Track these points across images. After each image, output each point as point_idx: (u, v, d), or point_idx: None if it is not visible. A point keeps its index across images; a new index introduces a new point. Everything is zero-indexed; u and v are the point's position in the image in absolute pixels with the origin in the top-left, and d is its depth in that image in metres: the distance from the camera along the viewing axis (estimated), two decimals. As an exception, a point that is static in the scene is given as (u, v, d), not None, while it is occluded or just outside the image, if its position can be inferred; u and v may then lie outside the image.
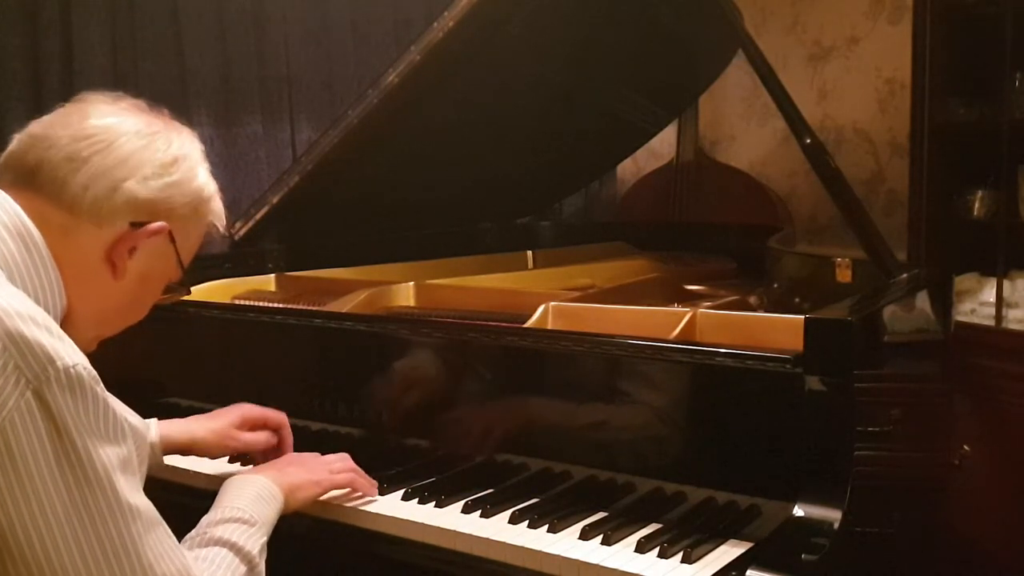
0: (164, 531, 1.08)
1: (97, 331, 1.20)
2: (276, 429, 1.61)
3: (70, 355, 1.00)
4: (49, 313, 1.07)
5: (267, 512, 1.31)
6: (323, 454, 1.53)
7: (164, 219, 1.16)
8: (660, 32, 2.32)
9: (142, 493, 1.07)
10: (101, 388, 1.03)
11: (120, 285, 1.16)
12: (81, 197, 1.10)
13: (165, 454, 1.54)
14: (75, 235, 1.11)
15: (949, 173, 2.69)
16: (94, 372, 1.03)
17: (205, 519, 1.27)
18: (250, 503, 1.30)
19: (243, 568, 1.21)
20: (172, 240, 1.18)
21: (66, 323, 1.12)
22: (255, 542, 1.24)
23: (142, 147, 1.14)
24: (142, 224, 1.14)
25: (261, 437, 1.59)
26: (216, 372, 1.92)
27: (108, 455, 1.01)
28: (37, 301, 1.07)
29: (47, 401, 0.97)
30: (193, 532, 1.24)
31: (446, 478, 1.53)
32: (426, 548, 1.39)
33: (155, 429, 1.55)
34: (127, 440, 1.05)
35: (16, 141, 1.15)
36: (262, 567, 1.25)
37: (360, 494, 1.48)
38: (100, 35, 2.65)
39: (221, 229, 1.28)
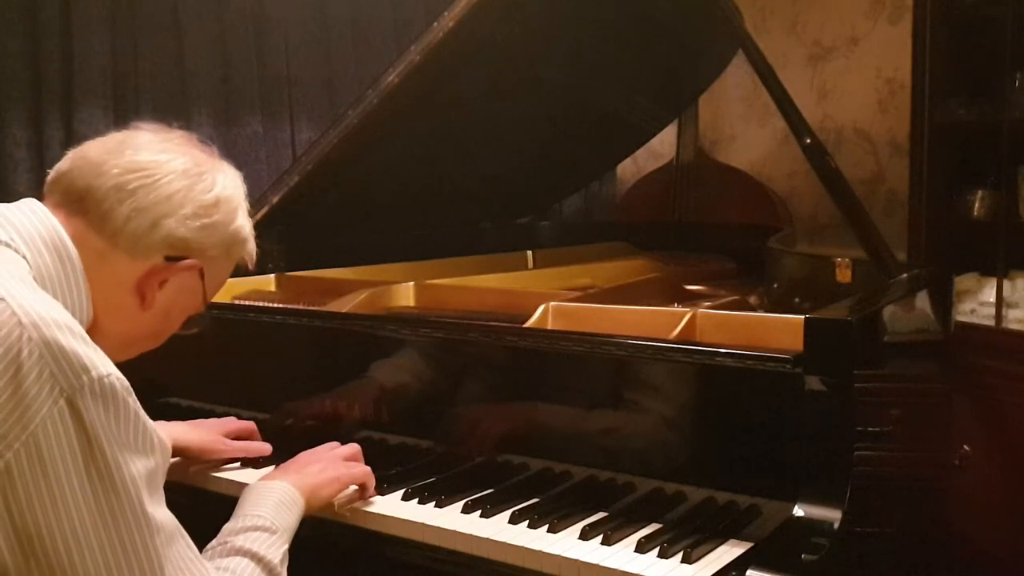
0: (185, 544, 1.09)
1: (118, 354, 1.19)
2: (244, 434, 1.70)
3: (104, 365, 1.01)
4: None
5: (288, 519, 1.32)
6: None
7: (197, 256, 1.19)
8: (660, 32, 2.32)
9: (165, 506, 1.07)
10: (133, 399, 1.04)
11: (146, 315, 1.19)
12: (122, 228, 1.13)
13: None
14: (110, 262, 1.14)
15: (949, 173, 2.69)
16: (127, 383, 1.04)
17: (226, 527, 1.27)
18: (271, 510, 1.30)
19: None
20: (201, 277, 1.21)
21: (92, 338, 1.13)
22: (276, 551, 1.24)
23: (187, 187, 1.17)
24: (175, 260, 1.17)
25: (250, 445, 1.67)
26: (216, 372, 1.92)
27: (136, 467, 1.02)
28: (66, 310, 1.08)
29: (79, 410, 0.98)
30: (214, 541, 1.24)
31: (446, 478, 1.53)
32: (426, 548, 1.39)
33: None
34: (155, 453, 1.06)
35: (69, 161, 1.17)
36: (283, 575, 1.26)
37: (369, 495, 1.49)
38: (100, 35, 2.65)
39: (250, 266, 1.30)
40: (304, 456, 1.49)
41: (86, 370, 0.99)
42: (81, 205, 1.14)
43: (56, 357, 0.98)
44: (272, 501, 1.32)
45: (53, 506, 0.97)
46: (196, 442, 1.64)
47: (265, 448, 1.68)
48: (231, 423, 1.73)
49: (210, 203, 1.19)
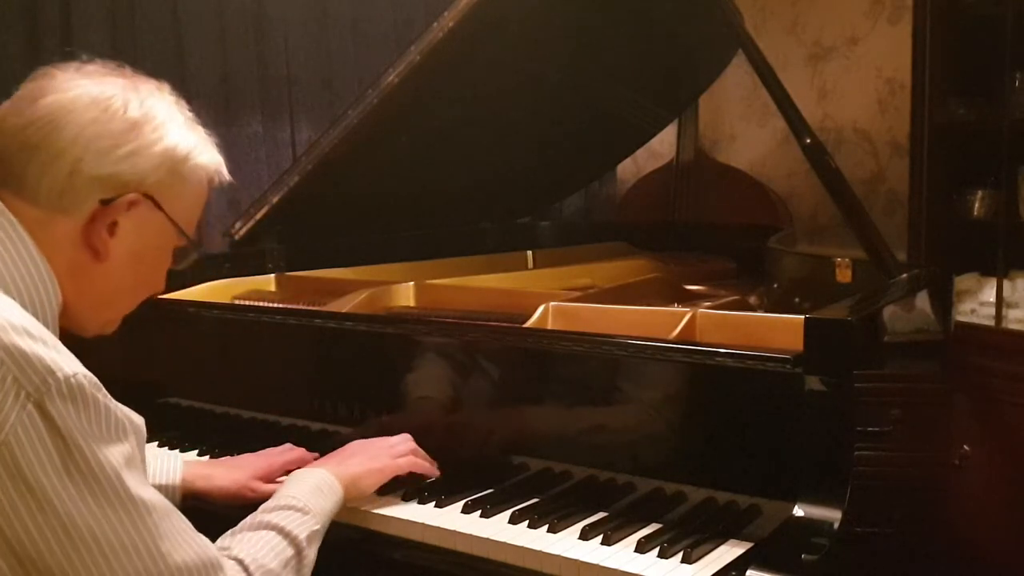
0: (178, 518, 1.07)
1: (106, 315, 1.17)
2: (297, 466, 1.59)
3: (69, 364, 0.99)
4: (45, 311, 1.06)
5: (323, 503, 1.30)
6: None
7: (136, 189, 1.09)
8: (660, 32, 2.32)
9: (149, 486, 1.06)
10: (103, 393, 1.02)
11: (109, 267, 1.10)
12: (38, 187, 1.05)
13: (184, 497, 1.50)
14: (49, 227, 1.06)
15: (949, 173, 2.69)
16: (93, 378, 1.01)
17: (260, 507, 1.26)
18: (306, 493, 1.30)
19: (290, 551, 1.20)
20: (159, 207, 1.11)
21: (68, 315, 1.10)
22: (304, 528, 1.23)
23: (92, 120, 1.06)
24: (112, 200, 1.08)
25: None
26: (216, 372, 1.92)
27: (114, 455, 1.00)
28: (32, 302, 1.05)
29: (50, 413, 0.96)
30: (247, 518, 1.23)
31: (446, 478, 1.53)
32: (426, 548, 1.39)
33: (181, 469, 1.52)
34: (129, 436, 1.04)
35: None
36: (311, 555, 1.23)
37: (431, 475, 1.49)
38: (100, 35, 2.65)
39: (224, 176, 1.21)
40: (351, 445, 1.48)
41: (51, 372, 0.96)
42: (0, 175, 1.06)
43: (18, 362, 0.95)
44: (308, 485, 1.32)
45: (41, 512, 0.95)
46: (221, 488, 1.52)
47: None
48: (282, 456, 1.60)
49: (126, 128, 1.08)
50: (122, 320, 1.21)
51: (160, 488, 1.50)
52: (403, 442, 1.50)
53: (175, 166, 1.12)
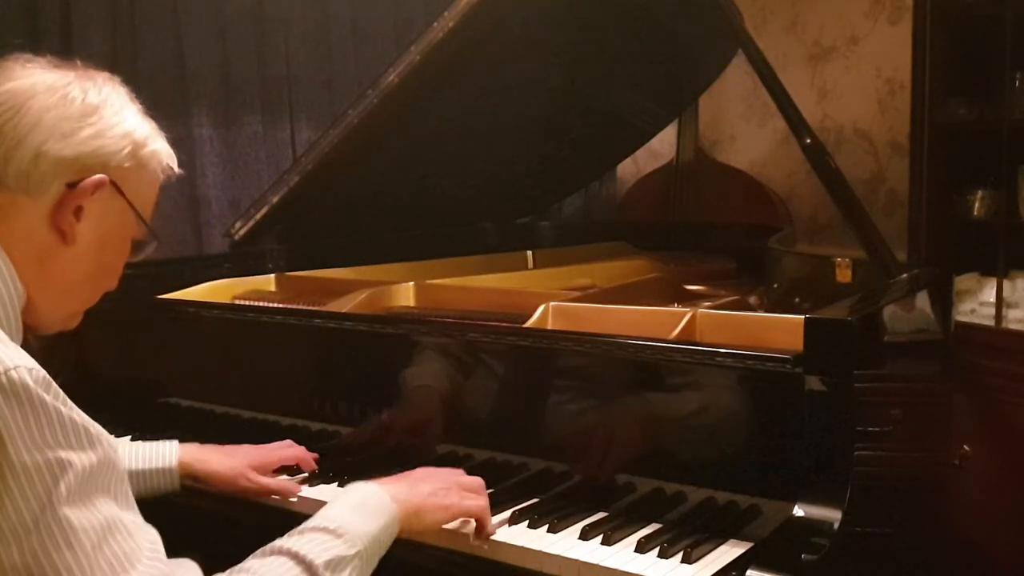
0: (116, 546, 0.97)
1: (70, 306, 1.15)
2: (294, 463, 1.61)
3: (11, 359, 0.94)
4: (6, 306, 1.04)
5: (365, 525, 1.18)
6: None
7: (101, 172, 1.09)
8: (660, 32, 2.32)
9: (110, 503, 0.99)
10: (54, 393, 0.96)
11: (76, 252, 1.10)
12: (4, 172, 1.05)
13: (181, 478, 1.51)
14: (14, 212, 1.06)
15: (949, 173, 2.69)
16: (43, 375, 0.96)
17: (289, 533, 1.16)
18: (345, 511, 1.18)
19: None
20: (120, 192, 1.11)
21: (32, 308, 1.08)
22: (327, 552, 1.11)
23: (53, 104, 1.07)
24: (78, 182, 1.08)
25: (278, 485, 1.54)
26: (216, 372, 1.92)
27: (58, 462, 0.94)
28: None
29: None
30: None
31: (446, 478, 1.53)
32: (426, 548, 1.39)
33: (177, 452, 1.53)
34: (94, 447, 0.98)
35: None
36: None
37: (486, 534, 1.34)
38: (100, 35, 2.65)
39: (175, 169, 1.20)
40: (421, 471, 1.36)
41: None
42: None
43: None
44: (350, 502, 1.20)
45: None
46: (216, 473, 1.52)
47: (293, 491, 1.53)
48: (278, 451, 1.60)
49: (87, 111, 1.09)
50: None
51: (157, 472, 1.51)
52: (475, 483, 1.37)
53: (135, 150, 1.13)
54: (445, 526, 1.34)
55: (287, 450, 1.61)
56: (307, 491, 1.54)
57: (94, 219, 1.10)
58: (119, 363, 2.01)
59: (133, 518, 1.02)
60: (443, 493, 1.31)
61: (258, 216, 2.20)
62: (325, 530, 1.14)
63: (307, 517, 1.18)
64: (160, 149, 1.17)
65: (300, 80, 3.06)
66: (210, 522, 1.57)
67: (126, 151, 1.12)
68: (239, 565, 1.10)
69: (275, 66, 3.02)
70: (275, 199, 2.16)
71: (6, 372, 0.93)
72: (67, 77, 1.11)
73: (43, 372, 0.97)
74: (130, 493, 1.05)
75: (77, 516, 0.95)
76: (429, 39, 1.93)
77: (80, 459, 0.96)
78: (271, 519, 1.45)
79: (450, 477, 1.36)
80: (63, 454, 0.95)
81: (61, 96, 1.08)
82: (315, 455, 1.62)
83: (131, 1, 2.71)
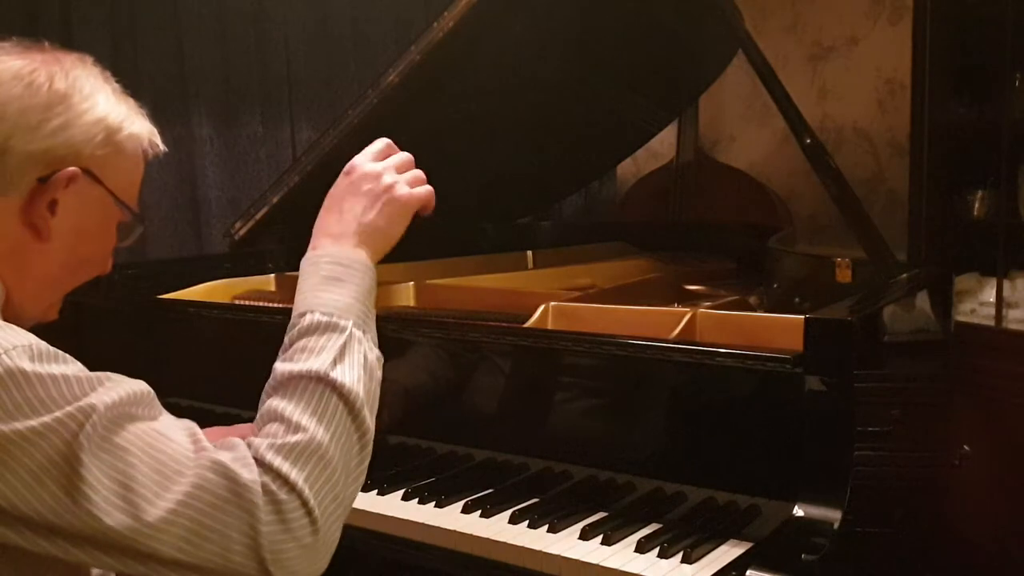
0: (161, 446, 0.94)
1: (48, 298, 1.11)
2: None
3: (8, 340, 0.91)
4: None
5: (343, 297, 1.12)
6: None
7: (73, 163, 1.03)
8: (660, 32, 2.32)
9: (135, 425, 0.95)
10: (60, 360, 0.93)
11: (52, 246, 1.05)
12: None
13: None
14: None
15: (949, 173, 2.69)
16: (44, 347, 0.93)
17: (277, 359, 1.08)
18: (319, 292, 1.11)
19: (338, 403, 1.03)
20: (98, 181, 1.06)
21: (9, 302, 1.05)
22: (325, 351, 1.06)
23: (17, 96, 1.01)
24: (49, 176, 1.02)
25: None
26: (216, 372, 1.92)
27: (76, 410, 0.90)
28: None
29: None
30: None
31: (446, 478, 1.53)
32: (426, 548, 1.39)
33: None
34: (110, 382, 0.95)
35: None
36: (352, 383, 1.06)
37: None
38: (100, 35, 2.65)
39: (160, 147, 1.14)
40: (340, 188, 1.25)
41: None
42: None
43: None
44: (314, 281, 1.12)
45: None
46: None
47: None
48: (241, 428, 1.59)
49: (53, 101, 1.02)
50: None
51: None
52: (407, 162, 1.28)
53: (109, 136, 1.07)
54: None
55: (246, 428, 1.59)
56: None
57: (70, 212, 1.05)
58: (119, 363, 1.99)
59: (166, 420, 1.00)
60: (384, 192, 1.23)
61: (258, 216, 2.20)
62: (308, 329, 1.08)
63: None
64: (138, 131, 1.11)
65: (300, 80, 3.06)
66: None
67: (99, 138, 1.05)
68: (259, 412, 1.06)
69: (275, 66, 3.02)
70: (275, 199, 2.16)
71: (6, 352, 0.90)
72: (33, 63, 1.04)
73: (43, 345, 0.93)
74: (157, 403, 1.01)
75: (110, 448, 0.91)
76: (429, 39, 1.93)
77: (100, 399, 0.92)
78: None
79: (364, 170, 1.25)
80: (76, 404, 0.91)
81: (26, 84, 1.02)
82: None
83: (131, 1, 2.72)
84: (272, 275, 2.23)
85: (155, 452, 0.94)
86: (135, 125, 1.11)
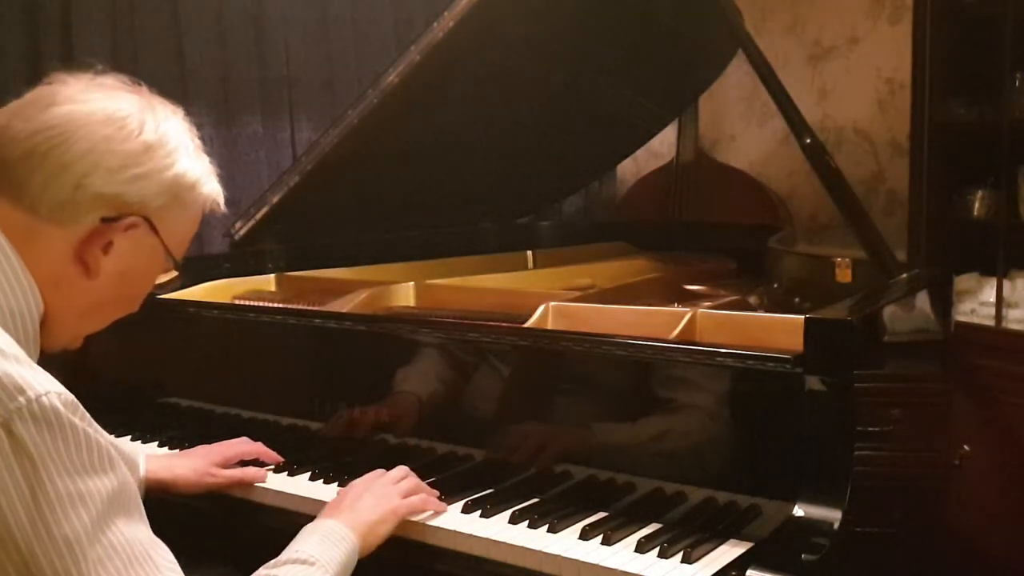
0: (148, 562, 1.00)
1: (81, 328, 1.13)
2: (253, 457, 1.63)
3: (42, 384, 0.94)
4: (26, 320, 1.03)
5: (334, 553, 1.23)
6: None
7: (139, 212, 1.06)
8: (660, 32, 2.32)
9: (136, 525, 1.00)
10: (81, 416, 0.97)
11: (97, 284, 1.07)
12: (40, 197, 1.02)
13: (147, 491, 1.50)
14: (40, 238, 1.03)
15: (949, 173, 2.69)
16: (71, 398, 0.96)
17: (263, 566, 1.19)
18: (313, 545, 1.23)
19: None
20: (155, 231, 1.09)
21: (45, 324, 1.07)
22: None
23: (106, 137, 1.04)
24: (113, 220, 1.05)
25: (243, 473, 1.58)
26: (216, 372, 1.92)
27: (90, 487, 0.95)
28: (11, 311, 1.02)
29: (17, 435, 0.91)
30: None
31: (446, 478, 1.53)
32: (426, 548, 1.39)
33: (143, 464, 1.53)
34: (115, 470, 0.99)
35: None
36: None
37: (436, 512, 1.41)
38: (100, 35, 2.65)
39: (221, 207, 1.18)
40: (354, 488, 1.39)
41: (21, 391, 0.92)
42: None
43: None
44: (315, 538, 1.25)
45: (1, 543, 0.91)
46: (181, 476, 1.54)
47: (260, 476, 1.58)
48: (235, 447, 1.63)
49: (139, 151, 1.05)
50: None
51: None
52: (406, 477, 1.43)
53: (180, 193, 1.11)
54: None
55: (244, 445, 1.64)
56: (307, 489, 1.55)
57: (122, 255, 1.07)
58: (119, 363, 2.01)
59: (149, 535, 1.03)
60: (385, 501, 1.36)
61: (258, 216, 2.20)
62: (298, 561, 1.19)
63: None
64: (208, 192, 1.15)
65: (300, 80, 3.06)
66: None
67: (170, 194, 1.09)
68: None
69: (275, 66, 3.02)
70: (275, 199, 2.16)
71: (38, 399, 0.93)
72: (128, 107, 1.07)
73: (71, 396, 0.97)
74: (142, 507, 1.05)
75: (105, 540, 0.96)
76: (429, 39, 1.93)
77: (105, 484, 0.97)
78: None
79: (381, 482, 1.40)
80: (91, 481, 0.96)
81: (117, 128, 1.05)
82: (275, 455, 1.65)
83: (131, 1, 2.71)
84: (272, 275, 2.23)
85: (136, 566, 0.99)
86: (206, 187, 1.15)
